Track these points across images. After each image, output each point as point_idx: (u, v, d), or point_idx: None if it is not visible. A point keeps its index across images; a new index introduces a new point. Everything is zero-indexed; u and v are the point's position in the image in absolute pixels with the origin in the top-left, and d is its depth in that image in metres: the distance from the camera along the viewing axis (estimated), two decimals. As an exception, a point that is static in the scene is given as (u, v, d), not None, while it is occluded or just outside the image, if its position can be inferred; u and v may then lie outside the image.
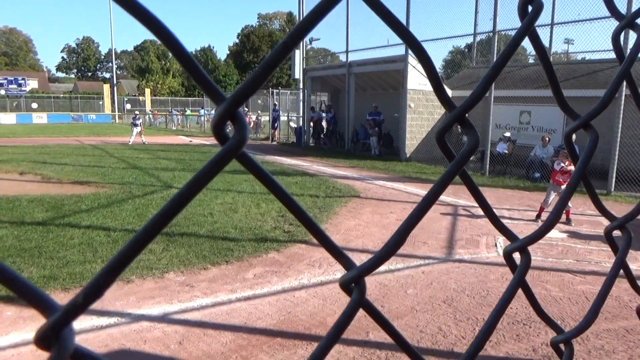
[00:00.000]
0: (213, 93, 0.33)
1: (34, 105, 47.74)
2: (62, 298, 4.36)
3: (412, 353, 0.47)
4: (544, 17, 15.56)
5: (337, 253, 0.41)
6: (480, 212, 8.13)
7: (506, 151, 13.04)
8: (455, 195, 9.71)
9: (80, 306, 0.30)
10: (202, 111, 37.71)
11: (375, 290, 4.71)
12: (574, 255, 5.86)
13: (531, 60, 18.32)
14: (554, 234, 6.81)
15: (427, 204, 0.42)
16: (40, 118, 43.99)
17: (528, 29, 0.44)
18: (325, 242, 0.41)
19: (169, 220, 0.31)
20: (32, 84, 58.50)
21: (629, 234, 0.64)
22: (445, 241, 6.46)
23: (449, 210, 8.32)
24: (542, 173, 11.49)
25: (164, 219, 0.31)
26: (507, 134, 13.48)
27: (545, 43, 16.59)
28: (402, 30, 0.40)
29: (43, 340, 0.28)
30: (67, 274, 4.87)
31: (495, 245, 6.30)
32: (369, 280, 4.95)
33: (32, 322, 3.89)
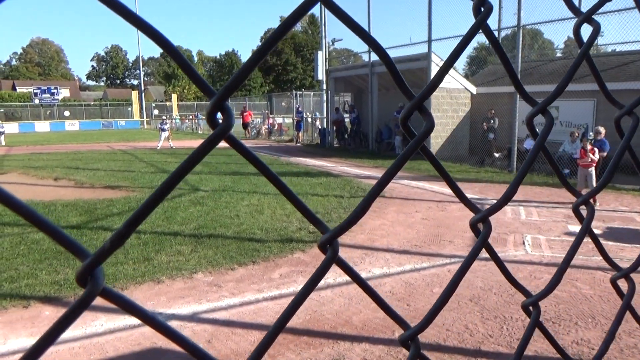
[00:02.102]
0: (205, 89, 0.41)
1: (66, 113, 49.30)
2: (95, 299, 4.51)
3: (392, 314, 0.55)
4: (566, 10, 15.20)
5: (314, 219, 0.48)
6: (508, 210, 8.02)
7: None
8: (482, 193, 9.59)
9: (107, 251, 0.37)
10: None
11: (401, 289, 4.71)
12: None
13: (558, 54, 17.92)
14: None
15: (387, 177, 0.51)
16: (72, 125, 45.41)
17: (477, 29, 0.51)
18: (302, 209, 0.48)
19: (173, 186, 0.40)
20: (64, 92, 60.40)
21: (592, 209, 0.75)
22: (472, 239, 6.40)
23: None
24: (571, 169, 11.23)
25: (169, 185, 0.40)
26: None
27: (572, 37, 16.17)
28: (363, 33, 0.47)
29: (80, 278, 0.36)
30: (101, 275, 5.04)
31: (523, 243, 6.20)
32: (396, 279, 4.96)
33: (69, 322, 4.05)
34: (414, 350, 0.52)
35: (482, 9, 0.50)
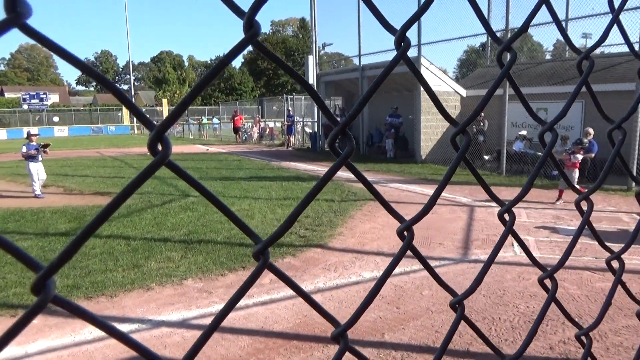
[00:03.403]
0: (145, 121, 0.45)
1: (56, 119, 48.90)
2: (84, 306, 4.48)
3: (324, 314, 0.60)
4: (558, 12, 15.40)
5: (247, 231, 0.52)
6: (496, 212, 8.08)
7: (522, 149, 12.90)
8: (472, 196, 9.65)
9: (55, 267, 0.42)
10: (215, 120, 38.12)
11: (391, 292, 4.73)
12: (592, 253, 5.79)
13: (547, 57, 18.13)
14: (568, 232, 6.73)
15: (314, 191, 0.55)
16: (61, 131, 45.05)
17: (398, 60, 0.65)
18: (235, 221, 0.52)
19: (109, 216, 0.44)
20: (53, 98, 59.93)
21: (514, 216, 0.79)
22: (461, 242, 6.44)
23: (465, 211, 8.29)
24: (560, 170, 11.35)
25: (105, 215, 0.43)
26: (523, 132, 13.34)
27: (561, 39, 16.39)
28: (291, 72, 0.52)
29: (34, 288, 0.42)
30: (90, 283, 5.01)
31: (512, 245, 6.26)
32: (385, 283, 4.97)
33: (57, 330, 4.02)
34: (342, 345, 0.58)
35: (403, 44, 0.57)
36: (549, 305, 0.79)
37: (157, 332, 3.96)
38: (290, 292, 4.79)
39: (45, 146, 10.29)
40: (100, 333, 3.93)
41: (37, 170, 10.08)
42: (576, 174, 8.95)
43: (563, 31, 0.85)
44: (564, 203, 8.70)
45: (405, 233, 0.64)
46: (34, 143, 10.15)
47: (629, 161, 10.03)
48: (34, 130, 11.62)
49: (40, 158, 10.15)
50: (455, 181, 11.47)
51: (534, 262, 0.82)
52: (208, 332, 0.48)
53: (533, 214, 7.98)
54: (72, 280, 5.12)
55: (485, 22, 0.69)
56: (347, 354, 0.60)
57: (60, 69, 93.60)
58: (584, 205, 0.88)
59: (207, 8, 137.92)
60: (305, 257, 5.88)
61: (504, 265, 5.46)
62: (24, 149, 10.01)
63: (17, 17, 0.39)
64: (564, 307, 0.87)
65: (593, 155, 10.31)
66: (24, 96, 49.13)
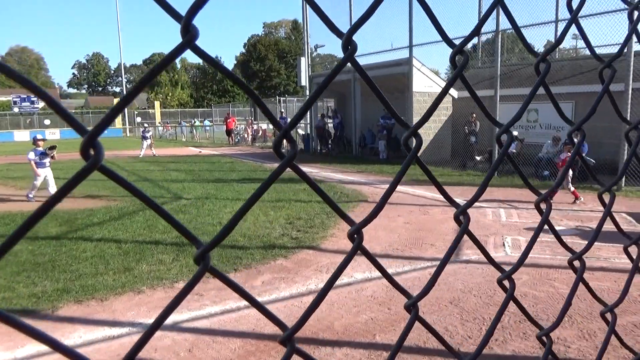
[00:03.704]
0: (78, 127, 0.46)
1: (47, 122, 48.54)
2: (74, 310, 4.46)
3: (271, 317, 0.64)
4: (548, 14, 15.52)
5: (189, 236, 0.53)
6: (489, 212, 8.12)
7: (514, 150, 12.98)
8: (463, 197, 9.69)
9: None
10: (207, 122, 37.97)
11: (382, 293, 4.74)
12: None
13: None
14: (563, 232, 6.78)
15: (259, 192, 0.56)
16: (53, 134, 44.70)
17: (345, 62, 0.64)
18: (177, 226, 0.53)
19: (38, 220, 0.45)
20: (45, 101, 59.48)
21: (468, 218, 0.84)
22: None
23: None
24: (551, 171, 11.43)
25: (35, 219, 0.45)
26: (515, 133, 13.41)
27: (552, 39, 16.53)
28: (233, 77, 0.57)
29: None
30: (80, 287, 4.98)
31: (503, 244, 6.29)
32: (377, 284, 4.98)
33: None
34: (289, 349, 0.60)
35: (349, 48, 0.60)
36: (506, 306, 0.81)
37: (147, 335, 3.94)
38: (282, 294, 4.79)
39: (52, 148, 10.08)
40: (90, 337, 3.90)
41: (45, 175, 9.83)
42: (570, 173, 9.02)
43: (520, 34, 0.89)
44: (555, 203, 8.76)
45: (355, 236, 0.66)
46: (41, 148, 9.88)
47: (619, 161, 10.14)
48: (41, 134, 11.32)
49: (48, 163, 9.93)
50: (447, 182, 11.52)
51: (492, 262, 0.85)
52: (140, 343, 0.50)
53: (524, 214, 8.03)
54: (62, 284, 5.08)
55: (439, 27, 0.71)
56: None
57: (51, 72, 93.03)
58: (566, 208, 0.90)
59: (201, 12, 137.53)
60: (298, 259, 5.87)
61: (495, 265, 5.49)
62: (31, 155, 9.73)
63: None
64: (523, 307, 0.89)
65: (584, 154, 10.41)
66: (14, 99, 48.75)
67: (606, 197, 0.95)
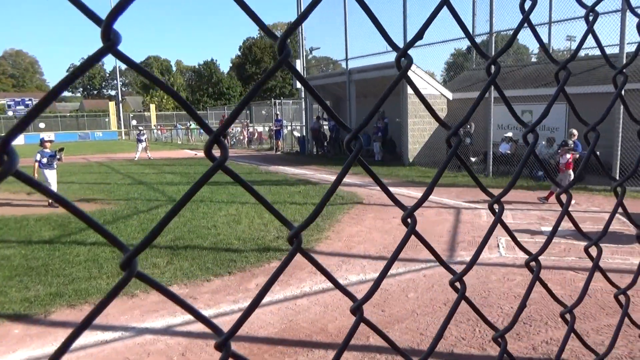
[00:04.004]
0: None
1: (42, 125, 48.33)
2: (67, 315, 4.43)
3: (207, 323, 0.64)
4: (541, 16, 15.59)
5: (116, 242, 0.53)
6: (483, 213, 8.14)
7: (509, 151, 13.03)
8: (458, 198, 9.72)
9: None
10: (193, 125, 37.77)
11: (377, 295, 4.74)
12: (576, 253, 5.85)
13: (533, 59, 18.34)
14: (557, 233, 6.80)
15: (186, 198, 0.58)
16: (48, 138, 44.54)
17: (280, 65, 0.64)
18: (103, 233, 0.53)
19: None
20: (39, 104, 59.24)
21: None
22: (447, 244, 6.48)
23: (452, 213, 8.34)
24: (545, 172, 11.46)
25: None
26: (509, 134, 13.47)
27: (545, 40, 16.62)
28: (155, 79, 0.56)
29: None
30: (73, 291, 4.95)
31: (498, 246, 6.30)
32: (371, 285, 4.97)
33: (39, 339, 3.97)
34: (224, 353, 0.59)
35: (284, 51, 0.60)
36: (457, 306, 0.82)
37: (140, 339, 3.92)
38: (276, 296, 4.78)
39: (60, 150, 9.93)
40: (82, 342, 3.88)
41: (52, 177, 9.65)
42: (571, 175, 8.92)
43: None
44: (549, 204, 8.80)
45: (294, 239, 0.67)
46: (48, 150, 9.67)
47: (612, 162, 10.19)
48: (48, 136, 11.07)
49: (55, 165, 9.74)
50: (441, 183, 11.53)
51: (443, 264, 0.88)
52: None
53: (519, 215, 8.06)
54: (56, 288, 5.05)
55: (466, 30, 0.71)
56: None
57: (46, 75, 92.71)
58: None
59: (195, 13, 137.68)
60: (292, 262, 5.84)
61: (489, 266, 5.50)
62: (38, 157, 9.50)
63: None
64: (477, 308, 0.90)
65: (577, 155, 10.45)
66: (8, 102, 48.55)
67: (598, 198, 0.95)
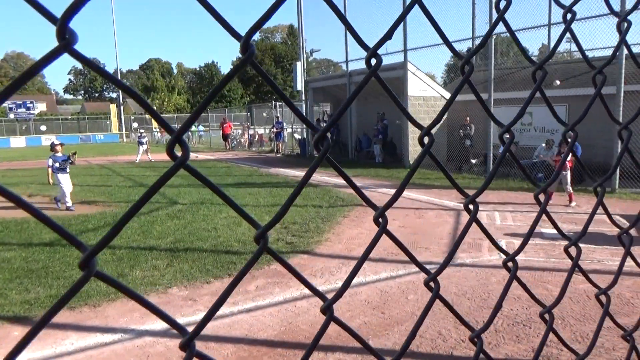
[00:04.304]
0: None
1: (43, 128, 48.44)
2: (67, 317, 4.43)
3: (172, 323, 0.65)
4: (541, 17, 15.61)
5: (74, 242, 0.53)
6: (484, 215, 8.13)
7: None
8: (458, 199, 9.71)
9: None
10: (200, 127, 37.79)
11: (377, 297, 4.74)
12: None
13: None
14: (557, 235, 6.80)
15: (143, 201, 0.57)
16: (49, 140, 44.45)
17: (237, 73, 0.63)
18: (62, 233, 0.53)
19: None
20: (41, 107, 59.43)
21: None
22: (447, 246, 6.47)
23: (452, 215, 8.33)
24: (545, 173, 11.47)
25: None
26: (508, 136, 13.44)
27: (545, 42, 16.64)
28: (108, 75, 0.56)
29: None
30: (73, 293, 4.95)
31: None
32: (371, 288, 4.98)
33: (39, 342, 3.96)
34: (188, 354, 0.59)
35: (248, 50, 0.60)
36: (431, 306, 0.83)
37: (140, 341, 3.92)
38: (276, 298, 4.78)
39: (74, 154, 9.85)
40: (81, 344, 3.88)
41: (65, 180, 9.59)
42: (568, 175, 8.85)
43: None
44: (550, 205, 8.79)
45: (260, 239, 0.67)
46: (60, 154, 9.55)
47: (612, 162, 10.19)
48: (58, 139, 10.99)
49: (68, 169, 9.68)
50: (442, 185, 11.53)
51: (418, 265, 0.88)
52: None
53: (519, 217, 8.05)
54: (56, 290, 5.05)
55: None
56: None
57: (47, 78, 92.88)
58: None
59: (196, 15, 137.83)
60: (292, 264, 5.79)
61: (490, 268, 5.49)
62: (50, 162, 9.40)
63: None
64: (452, 307, 0.91)
65: (578, 155, 10.46)
66: (10, 105, 48.61)
67: (584, 198, 0.96)
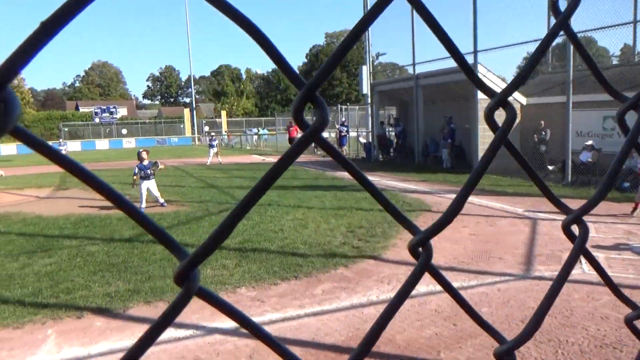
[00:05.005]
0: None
1: (124, 131, 51.81)
2: (144, 311, 4.65)
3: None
4: (625, 15, 14.46)
5: (173, 246, 0.41)
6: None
7: (590, 160, 12.14)
8: (535, 207, 9.18)
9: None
10: (263, 131, 38.57)
11: (447, 307, 4.55)
12: (636, 269, 5.30)
13: (614, 62, 17.06)
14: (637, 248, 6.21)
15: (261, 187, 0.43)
16: (129, 143, 47.65)
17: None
18: (158, 236, 0.41)
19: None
20: (122, 111, 63.55)
21: (586, 228, 0.61)
22: (523, 257, 6.12)
23: (527, 224, 7.88)
24: (632, 182, 10.56)
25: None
26: (590, 142, 12.55)
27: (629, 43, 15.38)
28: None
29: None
30: (149, 288, 5.20)
31: (580, 261, 5.85)
32: (441, 298, 4.80)
33: (118, 333, 4.19)
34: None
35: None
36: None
37: (210, 338, 4.03)
38: (343, 304, 4.73)
39: (155, 165, 10.32)
40: (161, 337, 4.04)
41: (148, 187, 10.11)
42: None
43: None
44: (638, 217, 8.08)
45: (420, 249, 0.50)
46: (146, 162, 10.09)
47: None
48: (144, 147, 11.69)
49: (152, 176, 10.16)
50: (516, 192, 10.97)
51: (608, 282, 0.66)
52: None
53: (602, 229, 7.45)
54: (133, 284, 5.33)
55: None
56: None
57: (128, 84, 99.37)
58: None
59: (264, 20, 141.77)
60: (358, 269, 5.79)
61: (571, 283, 5.11)
62: (136, 170, 10.02)
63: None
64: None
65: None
66: (95, 110, 52.46)
67: None
